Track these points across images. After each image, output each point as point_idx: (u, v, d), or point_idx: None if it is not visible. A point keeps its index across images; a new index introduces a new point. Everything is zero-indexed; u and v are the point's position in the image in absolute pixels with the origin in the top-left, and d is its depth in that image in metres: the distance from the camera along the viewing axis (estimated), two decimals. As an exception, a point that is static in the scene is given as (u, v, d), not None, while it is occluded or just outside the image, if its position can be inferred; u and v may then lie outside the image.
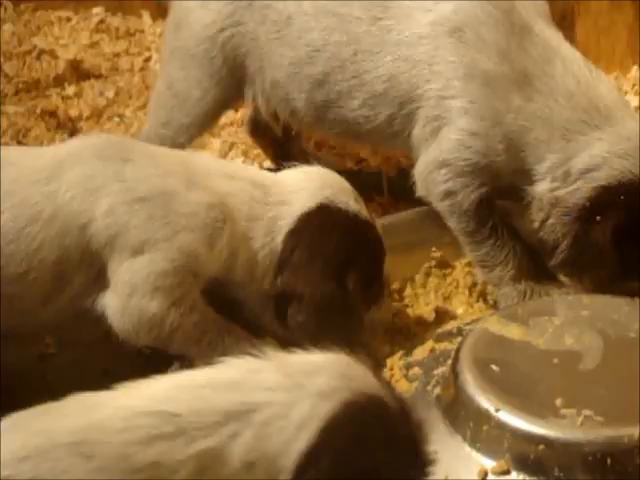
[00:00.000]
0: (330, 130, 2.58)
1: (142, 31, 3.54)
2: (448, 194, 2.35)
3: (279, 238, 2.10)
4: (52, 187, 2.02)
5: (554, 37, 2.34)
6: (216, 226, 2.06)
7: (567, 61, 2.32)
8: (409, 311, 2.45)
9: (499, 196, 2.39)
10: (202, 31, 2.55)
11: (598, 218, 2.23)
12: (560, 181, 2.29)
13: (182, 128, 2.57)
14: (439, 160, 2.34)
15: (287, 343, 1.89)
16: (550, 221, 2.30)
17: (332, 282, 2.11)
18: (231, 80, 2.58)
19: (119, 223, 2.02)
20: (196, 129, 2.64)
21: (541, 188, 2.31)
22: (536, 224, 2.34)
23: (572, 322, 2.14)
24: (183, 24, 2.60)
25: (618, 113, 2.29)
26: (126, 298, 2.03)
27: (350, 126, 2.48)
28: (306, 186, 2.17)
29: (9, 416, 1.56)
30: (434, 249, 2.51)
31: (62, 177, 2.03)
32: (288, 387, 1.57)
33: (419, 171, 2.39)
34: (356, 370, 1.64)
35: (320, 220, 2.13)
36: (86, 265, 2.03)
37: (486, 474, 1.93)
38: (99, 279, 2.05)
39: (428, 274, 2.51)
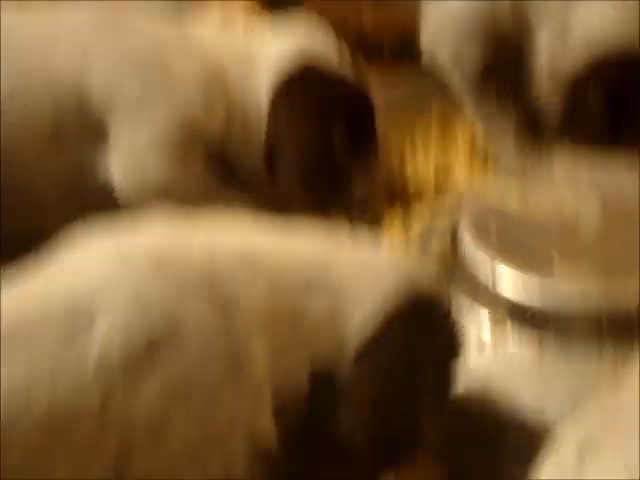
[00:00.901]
0: None
1: None
2: (452, 52, 2.45)
3: (266, 97, 2.17)
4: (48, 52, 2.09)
5: None
6: (211, 89, 2.13)
7: None
8: (408, 173, 2.52)
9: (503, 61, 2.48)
10: None
11: (592, 84, 2.32)
12: (556, 46, 2.37)
13: None
14: (439, 20, 2.45)
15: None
16: (545, 92, 2.41)
17: (318, 136, 2.18)
18: None
19: (115, 84, 2.10)
20: None
21: (539, 60, 2.39)
22: (532, 90, 2.44)
23: (571, 183, 2.21)
24: None
25: None
26: (130, 158, 2.11)
27: None
28: (291, 42, 2.22)
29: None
30: (433, 109, 2.60)
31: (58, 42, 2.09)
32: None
33: (426, 30, 2.48)
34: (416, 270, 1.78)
35: (305, 76, 2.19)
36: (84, 125, 2.11)
37: (484, 326, 2.02)
38: (98, 139, 2.11)
39: (427, 135, 2.59)
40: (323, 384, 1.67)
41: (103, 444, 1.53)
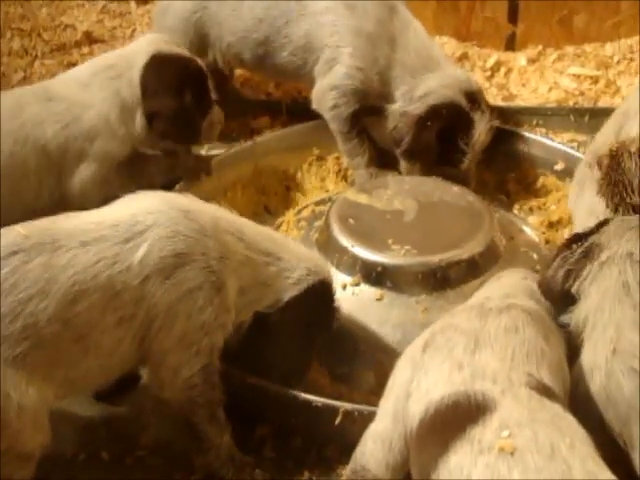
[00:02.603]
0: (266, 72, 3.39)
1: (130, 13, 4.41)
2: (334, 107, 3.18)
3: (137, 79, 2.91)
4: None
5: (408, 13, 3.21)
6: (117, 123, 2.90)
7: (416, 28, 3.19)
8: (299, 187, 3.29)
9: (370, 113, 3.18)
10: (181, 14, 3.34)
11: (429, 123, 3.06)
12: (407, 102, 3.10)
13: None
14: (332, 85, 3.17)
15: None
16: (399, 125, 3.11)
17: (175, 99, 2.88)
18: (198, 45, 3.34)
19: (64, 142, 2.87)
20: None
21: (395, 106, 3.12)
22: (390, 128, 3.12)
23: (398, 192, 2.90)
24: (169, 10, 3.38)
25: (443, 63, 3.17)
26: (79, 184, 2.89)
27: (278, 69, 3.28)
28: (146, 43, 2.99)
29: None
30: (314, 148, 3.34)
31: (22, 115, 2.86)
32: None
33: (317, 91, 3.21)
34: None
35: (159, 61, 2.92)
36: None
37: (345, 286, 2.69)
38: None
39: (311, 164, 3.34)
40: (262, 317, 2.35)
41: (138, 314, 2.12)
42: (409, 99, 3.11)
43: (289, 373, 2.47)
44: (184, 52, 3.02)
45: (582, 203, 2.74)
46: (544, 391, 1.88)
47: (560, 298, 2.18)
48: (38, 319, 2.04)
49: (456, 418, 1.80)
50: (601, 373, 2.00)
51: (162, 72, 2.94)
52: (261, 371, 2.43)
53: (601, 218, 2.40)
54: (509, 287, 2.26)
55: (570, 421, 1.82)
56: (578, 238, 2.22)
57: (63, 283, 2.07)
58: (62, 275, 2.07)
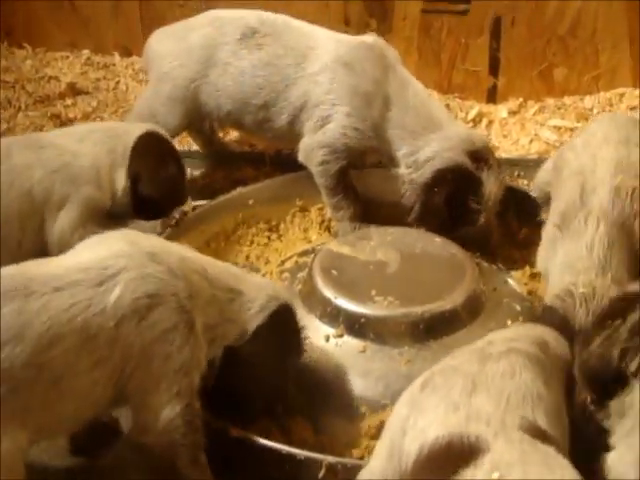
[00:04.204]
0: (264, 136, 3.40)
1: (114, 64, 4.43)
2: (323, 163, 3.19)
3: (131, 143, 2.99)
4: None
5: (406, 73, 3.23)
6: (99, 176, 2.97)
7: (414, 88, 3.19)
8: (282, 238, 3.28)
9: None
10: (181, 82, 3.34)
11: (436, 189, 3.06)
12: (413, 168, 3.10)
13: None
14: (324, 142, 3.18)
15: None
16: (407, 194, 3.11)
17: (159, 171, 2.98)
18: (194, 113, 3.38)
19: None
20: None
21: (401, 171, 3.12)
22: (402, 193, 3.11)
23: (381, 243, 2.91)
24: (168, 76, 3.37)
25: (444, 122, 3.15)
26: (59, 229, 2.92)
27: (277, 133, 3.29)
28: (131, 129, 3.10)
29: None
30: (298, 199, 3.35)
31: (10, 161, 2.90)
32: None
33: (305, 146, 3.22)
34: None
35: (155, 136, 3.06)
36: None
37: (329, 337, 2.69)
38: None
39: (294, 215, 3.35)
40: (231, 351, 2.38)
41: (112, 356, 2.14)
42: (414, 163, 3.12)
43: (267, 402, 2.50)
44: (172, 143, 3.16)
45: (555, 263, 2.75)
46: (538, 434, 1.91)
47: (612, 379, 2.15)
48: (13, 364, 2.05)
49: (449, 459, 1.84)
50: None
51: (153, 145, 3.06)
52: (238, 406, 2.45)
53: (582, 274, 2.49)
54: (515, 333, 2.29)
55: (562, 462, 1.85)
56: (613, 315, 2.19)
57: (37, 328, 2.08)
58: (36, 320, 2.09)
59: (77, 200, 2.94)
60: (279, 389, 2.55)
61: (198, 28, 3.39)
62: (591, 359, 2.18)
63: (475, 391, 1.97)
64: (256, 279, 2.56)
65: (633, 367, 2.11)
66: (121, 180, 3.01)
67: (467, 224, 3.09)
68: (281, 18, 3.36)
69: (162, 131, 3.14)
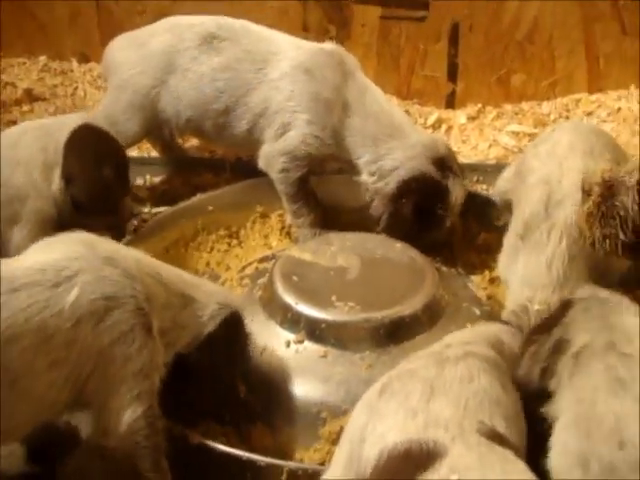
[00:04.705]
0: (224, 143, 3.41)
1: (72, 71, 4.39)
2: (284, 170, 3.20)
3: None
4: None
5: (365, 80, 3.24)
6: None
7: (374, 95, 3.21)
8: (242, 245, 3.28)
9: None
10: (141, 89, 3.32)
11: (403, 200, 3.06)
12: (376, 176, 3.11)
13: None
14: (285, 150, 3.18)
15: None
16: (374, 203, 3.12)
17: (94, 170, 2.92)
18: (154, 120, 3.36)
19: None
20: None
21: (364, 179, 3.14)
22: (367, 202, 3.12)
23: (342, 249, 2.91)
24: (128, 82, 3.35)
25: (406, 129, 3.16)
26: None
27: (237, 140, 3.29)
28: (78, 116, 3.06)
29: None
30: (258, 206, 3.34)
31: None
32: None
33: (266, 154, 3.22)
34: None
35: (89, 130, 2.99)
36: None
37: (289, 343, 2.69)
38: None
39: (254, 222, 3.34)
40: (183, 357, 2.39)
41: (69, 357, 2.13)
42: (377, 171, 3.13)
43: (217, 409, 2.53)
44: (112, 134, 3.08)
45: (515, 273, 2.76)
46: (496, 438, 1.93)
47: (537, 395, 2.19)
48: None
49: (408, 465, 1.85)
50: (602, 463, 1.98)
51: (88, 141, 3.00)
52: (188, 412, 2.45)
53: (539, 291, 2.51)
54: (472, 334, 2.32)
55: (519, 465, 1.87)
56: (540, 330, 2.25)
57: None
58: None
59: (25, 216, 2.92)
60: (228, 396, 2.55)
61: (157, 35, 3.38)
62: (518, 376, 2.24)
63: (433, 396, 1.99)
64: (207, 286, 2.57)
65: (552, 385, 2.18)
66: (56, 180, 2.95)
67: (433, 229, 3.12)
68: (240, 23, 3.36)
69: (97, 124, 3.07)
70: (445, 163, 3.12)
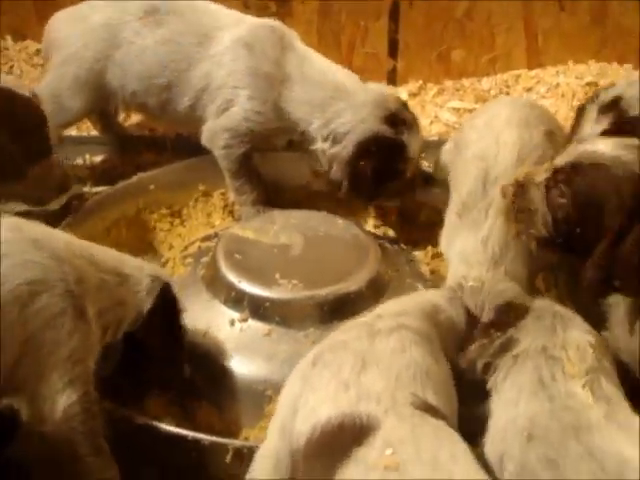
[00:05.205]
0: (168, 119, 3.37)
1: (7, 49, 4.28)
2: (227, 147, 3.18)
3: None
4: None
5: (306, 49, 3.24)
6: None
7: (315, 62, 3.21)
8: (185, 224, 3.27)
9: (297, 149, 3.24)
10: (85, 63, 3.28)
11: (361, 162, 3.06)
12: (330, 141, 3.10)
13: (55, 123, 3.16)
14: (227, 127, 3.17)
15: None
16: (333, 169, 3.12)
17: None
18: (97, 95, 3.32)
19: None
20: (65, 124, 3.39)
21: (319, 146, 3.13)
22: (325, 169, 3.13)
23: (285, 227, 2.91)
24: (72, 57, 3.30)
25: (352, 88, 3.15)
26: None
27: (180, 116, 3.27)
28: None
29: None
30: (200, 184, 3.34)
31: None
32: None
33: (209, 130, 3.21)
34: None
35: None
36: None
37: (234, 322, 2.70)
38: None
39: (197, 200, 3.33)
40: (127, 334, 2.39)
41: (3, 340, 2.08)
42: (330, 135, 3.13)
43: (167, 382, 2.54)
44: (27, 94, 2.94)
45: (454, 250, 2.79)
46: (428, 410, 1.95)
47: (477, 389, 2.26)
48: None
49: (342, 440, 1.86)
50: (514, 462, 2.05)
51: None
52: (133, 392, 2.46)
53: (475, 268, 2.57)
54: (405, 305, 2.34)
55: (452, 434, 1.91)
56: (497, 326, 2.32)
57: None
58: None
59: None
60: (173, 374, 2.55)
61: (100, 8, 3.34)
62: (462, 361, 2.31)
63: (365, 369, 2.01)
64: (134, 260, 2.52)
65: (490, 383, 2.26)
66: None
67: (395, 182, 3.13)
68: None
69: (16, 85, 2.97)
70: (397, 118, 3.12)
